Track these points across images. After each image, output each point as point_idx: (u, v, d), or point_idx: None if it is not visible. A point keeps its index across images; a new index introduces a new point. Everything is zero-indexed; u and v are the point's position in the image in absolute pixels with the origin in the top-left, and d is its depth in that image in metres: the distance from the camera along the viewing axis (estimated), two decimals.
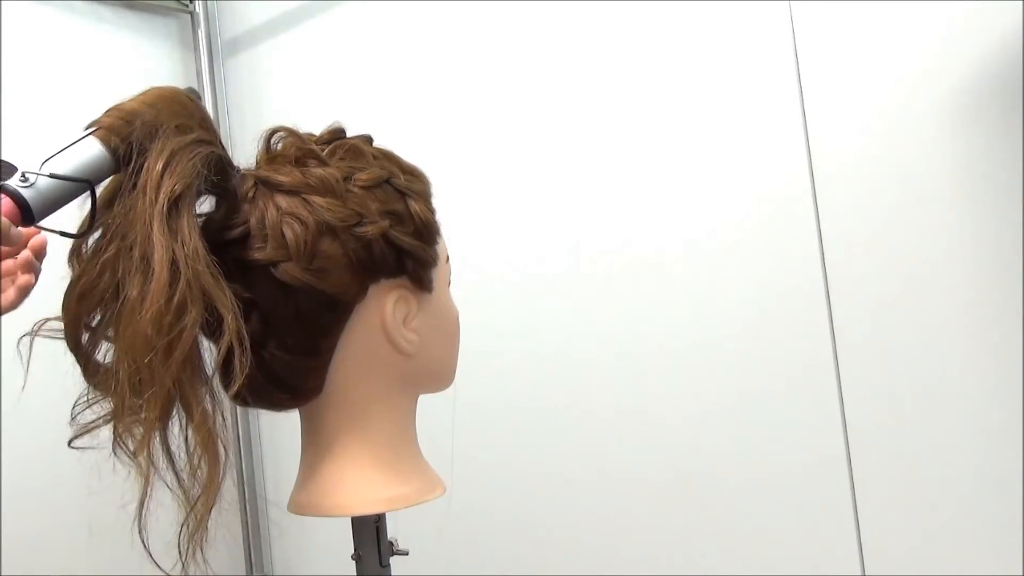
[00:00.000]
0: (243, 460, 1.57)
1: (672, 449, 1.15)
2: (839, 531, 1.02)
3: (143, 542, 0.56)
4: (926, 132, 0.96)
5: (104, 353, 0.58)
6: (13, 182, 0.55)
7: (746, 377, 1.09)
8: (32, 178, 0.55)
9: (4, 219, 0.54)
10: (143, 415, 0.55)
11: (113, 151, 0.57)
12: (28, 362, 0.57)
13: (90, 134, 0.57)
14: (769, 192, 1.07)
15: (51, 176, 0.56)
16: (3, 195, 0.55)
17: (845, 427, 1.02)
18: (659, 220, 1.15)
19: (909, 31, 0.96)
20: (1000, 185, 0.92)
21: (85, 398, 0.58)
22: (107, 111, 0.58)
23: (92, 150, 0.57)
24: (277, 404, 0.67)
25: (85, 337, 0.57)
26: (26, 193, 0.55)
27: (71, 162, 0.56)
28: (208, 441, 0.56)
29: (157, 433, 0.56)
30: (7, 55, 1.36)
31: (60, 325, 0.57)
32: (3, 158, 0.57)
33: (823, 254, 1.03)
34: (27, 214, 0.55)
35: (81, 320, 0.57)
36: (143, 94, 0.60)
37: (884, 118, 0.98)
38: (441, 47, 1.37)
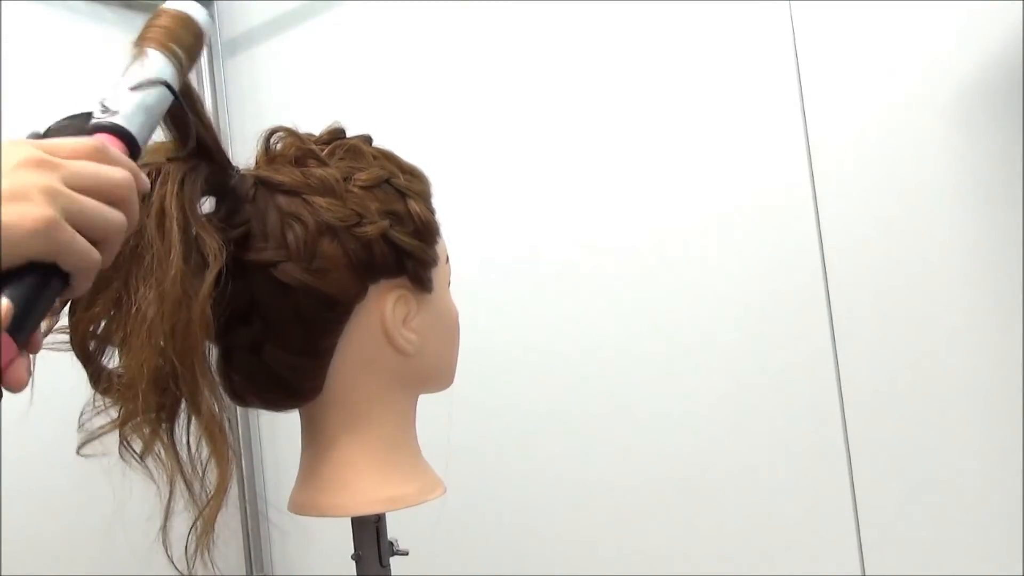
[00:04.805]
0: (243, 460, 1.57)
1: (671, 448, 1.15)
2: (839, 531, 1.02)
3: (165, 547, 0.56)
4: (926, 132, 0.96)
5: (110, 359, 0.58)
6: (94, 118, 0.50)
7: (746, 377, 1.09)
8: (114, 104, 0.50)
9: (118, 155, 0.48)
10: (152, 416, 0.56)
11: (173, 56, 0.54)
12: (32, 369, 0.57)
13: (142, 49, 0.53)
14: (769, 192, 1.06)
15: (134, 88, 0.51)
16: (103, 134, 0.49)
17: (845, 427, 1.01)
18: (659, 219, 1.15)
19: (909, 31, 0.96)
20: (1000, 185, 0.92)
21: (92, 405, 0.58)
22: (144, 32, 0.55)
23: (154, 62, 0.53)
24: (277, 404, 0.67)
25: (92, 344, 0.57)
26: (116, 120, 0.50)
27: (141, 76, 0.52)
28: (217, 441, 0.57)
29: (164, 436, 0.57)
30: (7, 55, 1.36)
31: (65, 337, 0.57)
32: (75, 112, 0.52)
33: (823, 254, 1.03)
34: (132, 145, 0.50)
35: (89, 327, 0.56)
36: (158, 19, 0.56)
37: (884, 118, 0.98)
38: (441, 47, 1.37)
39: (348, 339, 0.64)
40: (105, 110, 0.50)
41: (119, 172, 0.47)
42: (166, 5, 0.57)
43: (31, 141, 0.45)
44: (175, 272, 0.55)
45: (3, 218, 0.42)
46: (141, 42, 0.54)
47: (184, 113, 0.57)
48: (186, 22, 0.56)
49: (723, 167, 1.10)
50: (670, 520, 1.15)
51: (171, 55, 0.54)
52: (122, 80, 0.52)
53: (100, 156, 0.47)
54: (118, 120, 0.50)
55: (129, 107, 0.51)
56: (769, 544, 1.08)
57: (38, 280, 0.43)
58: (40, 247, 0.43)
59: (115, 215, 0.47)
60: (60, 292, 0.45)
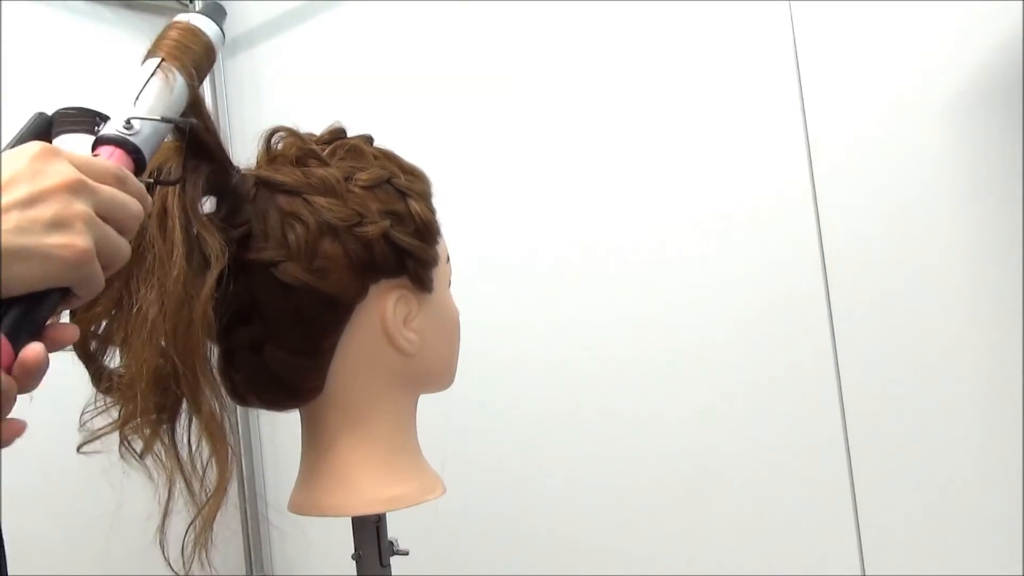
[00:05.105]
0: (243, 460, 1.57)
1: (672, 449, 1.15)
2: (839, 531, 1.02)
3: (162, 547, 0.56)
4: (926, 132, 0.96)
5: (111, 359, 0.58)
6: (113, 129, 0.50)
7: (746, 377, 1.09)
8: (137, 125, 0.51)
9: (126, 172, 0.47)
10: (152, 416, 0.56)
11: (190, 79, 0.55)
12: None
13: (158, 67, 0.54)
14: (769, 192, 1.07)
15: (162, 120, 0.51)
16: (113, 147, 0.49)
17: (845, 427, 1.02)
18: (659, 219, 1.15)
19: (909, 31, 0.96)
20: (1000, 185, 0.92)
21: (93, 405, 0.58)
22: (158, 43, 0.55)
23: (177, 84, 0.54)
24: (277, 404, 0.67)
25: (93, 344, 0.57)
26: (135, 141, 0.50)
27: (162, 100, 0.53)
28: (218, 441, 0.57)
29: (165, 436, 0.57)
30: (7, 55, 1.36)
31: None
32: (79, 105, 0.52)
33: (823, 254, 1.03)
34: (140, 165, 0.51)
35: (90, 327, 0.56)
36: (172, 32, 0.57)
37: (884, 118, 0.98)
38: (441, 47, 1.37)
39: (349, 339, 0.64)
40: (129, 127, 0.51)
41: (137, 205, 0.48)
42: (184, 17, 0.57)
43: (63, 153, 0.45)
44: (177, 273, 0.55)
45: (48, 247, 0.42)
46: (165, 58, 0.54)
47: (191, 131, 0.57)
48: (204, 42, 0.57)
49: (723, 167, 1.10)
50: (670, 520, 1.15)
51: (191, 84, 0.55)
52: (145, 97, 0.52)
53: (122, 185, 0.47)
54: (138, 142, 0.51)
55: (148, 130, 0.52)
56: (769, 544, 1.08)
57: (39, 293, 0.43)
58: (70, 278, 0.43)
59: (126, 246, 0.47)
60: (58, 305, 0.45)
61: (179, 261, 0.55)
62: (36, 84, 1.40)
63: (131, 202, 0.47)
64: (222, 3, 0.61)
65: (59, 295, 0.44)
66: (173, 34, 0.56)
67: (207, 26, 0.58)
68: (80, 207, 0.43)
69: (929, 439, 0.96)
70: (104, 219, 0.45)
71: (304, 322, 0.62)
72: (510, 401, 1.30)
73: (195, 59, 0.56)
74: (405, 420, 0.70)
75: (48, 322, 0.45)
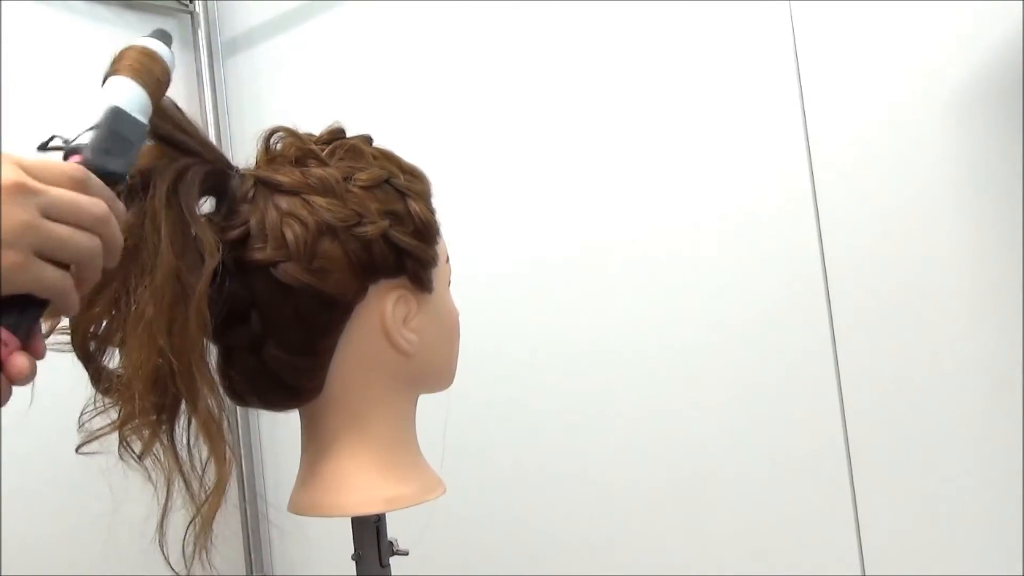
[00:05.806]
0: (243, 460, 1.57)
1: (671, 449, 1.15)
2: (839, 531, 1.02)
3: (161, 547, 0.56)
4: (926, 132, 0.96)
5: (111, 359, 0.58)
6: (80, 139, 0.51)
7: (746, 377, 1.09)
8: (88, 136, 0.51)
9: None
10: (151, 417, 0.56)
11: (150, 96, 0.55)
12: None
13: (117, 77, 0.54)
14: (769, 192, 1.07)
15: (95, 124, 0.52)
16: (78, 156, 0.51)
17: (845, 427, 1.02)
18: (659, 219, 1.15)
19: (909, 31, 0.96)
20: (1000, 185, 0.92)
21: (92, 405, 0.59)
22: (116, 64, 0.55)
23: (142, 99, 0.54)
24: (277, 404, 0.67)
25: (92, 345, 0.57)
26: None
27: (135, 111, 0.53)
28: (216, 440, 0.57)
29: (164, 437, 0.57)
30: (7, 55, 1.36)
31: (66, 337, 0.57)
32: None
33: (823, 254, 1.03)
34: (111, 176, 0.52)
35: (89, 328, 0.57)
36: (130, 52, 0.56)
37: (884, 118, 0.98)
38: (441, 47, 1.37)
39: (348, 339, 0.64)
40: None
41: (96, 205, 0.48)
42: (139, 41, 0.58)
43: (13, 158, 0.45)
44: (170, 269, 0.55)
45: None
46: (125, 77, 0.55)
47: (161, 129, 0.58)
48: (161, 65, 0.57)
49: (723, 167, 1.10)
50: (669, 520, 1.15)
51: (152, 99, 0.55)
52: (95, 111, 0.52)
53: (79, 185, 0.47)
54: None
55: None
56: (769, 544, 1.08)
57: (18, 300, 0.45)
58: (7, 287, 0.44)
59: (88, 242, 0.47)
60: (41, 312, 0.47)
61: (170, 258, 0.55)
62: (36, 84, 1.41)
63: (88, 202, 0.47)
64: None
65: (40, 304, 0.46)
66: (132, 54, 0.56)
67: (161, 49, 0.57)
68: (15, 213, 0.44)
69: (929, 439, 0.96)
70: (56, 219, 0.45)
71: (303, 322, 0.62)
72: (510, 401, 1.30)
73: (152, 80, 0.55)
74: (405, 420, 0.70)
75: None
